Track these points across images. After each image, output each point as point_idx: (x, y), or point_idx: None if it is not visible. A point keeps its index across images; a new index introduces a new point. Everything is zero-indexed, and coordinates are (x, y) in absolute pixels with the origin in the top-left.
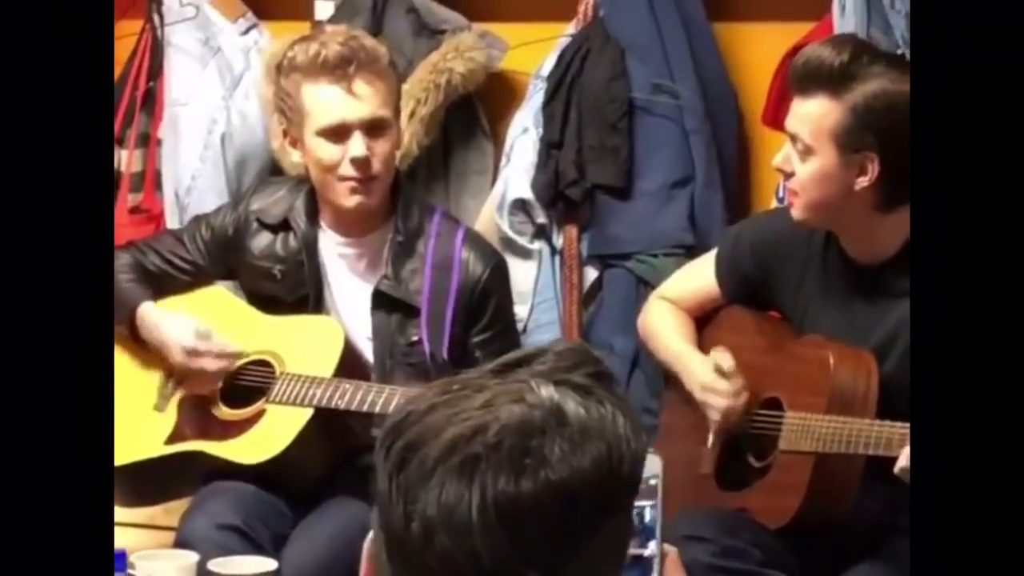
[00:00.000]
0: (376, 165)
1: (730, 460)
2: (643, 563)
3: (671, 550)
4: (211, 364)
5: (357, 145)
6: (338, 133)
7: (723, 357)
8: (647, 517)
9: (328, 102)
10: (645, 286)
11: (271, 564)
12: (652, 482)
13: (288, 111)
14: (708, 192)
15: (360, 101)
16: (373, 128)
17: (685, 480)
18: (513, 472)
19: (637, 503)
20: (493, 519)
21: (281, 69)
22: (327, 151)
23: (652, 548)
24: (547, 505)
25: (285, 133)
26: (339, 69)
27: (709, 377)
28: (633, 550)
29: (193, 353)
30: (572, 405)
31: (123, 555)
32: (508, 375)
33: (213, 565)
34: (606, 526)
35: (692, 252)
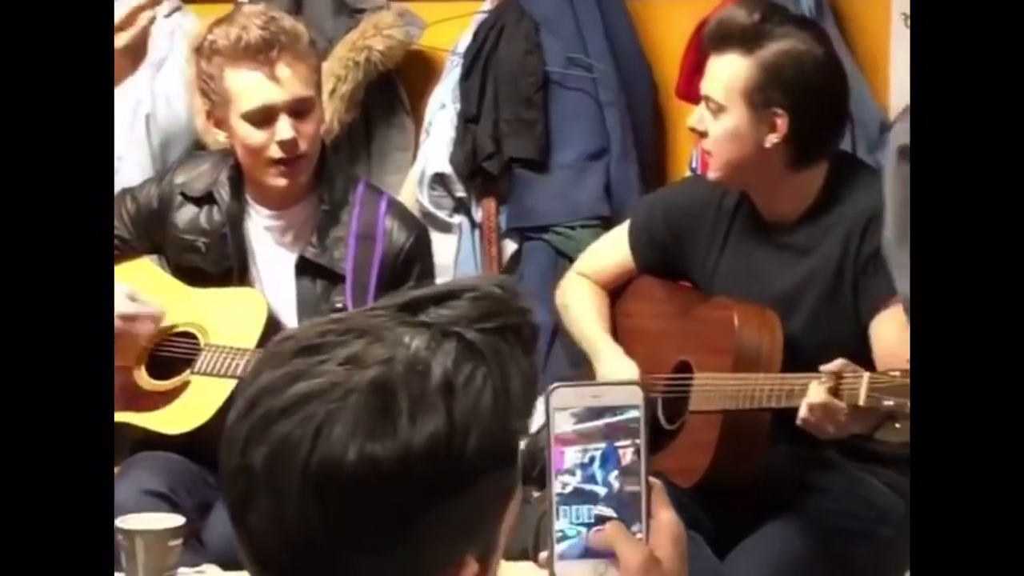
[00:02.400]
0: (303, 145)
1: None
2: (636, 500)
3: (656, 483)
4: (143, 327)
5: (284, 128)
6: (264, 117)
7: (628, 368)
8: (640, 453)
9: (252, 87)
10: (563, 258)
11: (178, 519)
12: (635, 414)
13: (211, 93)
14: (623, 164)
15: (283, 84)
16: (297, 110)
17: None
18: (341, 441)
19: (630, 440)
20: (311, 488)
21: (202, 52)
22: (253, 135)
23: (641, 484)
24: (368, 481)
25: (208, 114)
26: (261, 53)
27: (610, 373)
28: (629, 487)
29: (127, 318)
30: (437, 370)
31: None
32: (414, 313)
33: (120, 522)
34: (442, 507)
35: (608, 223)
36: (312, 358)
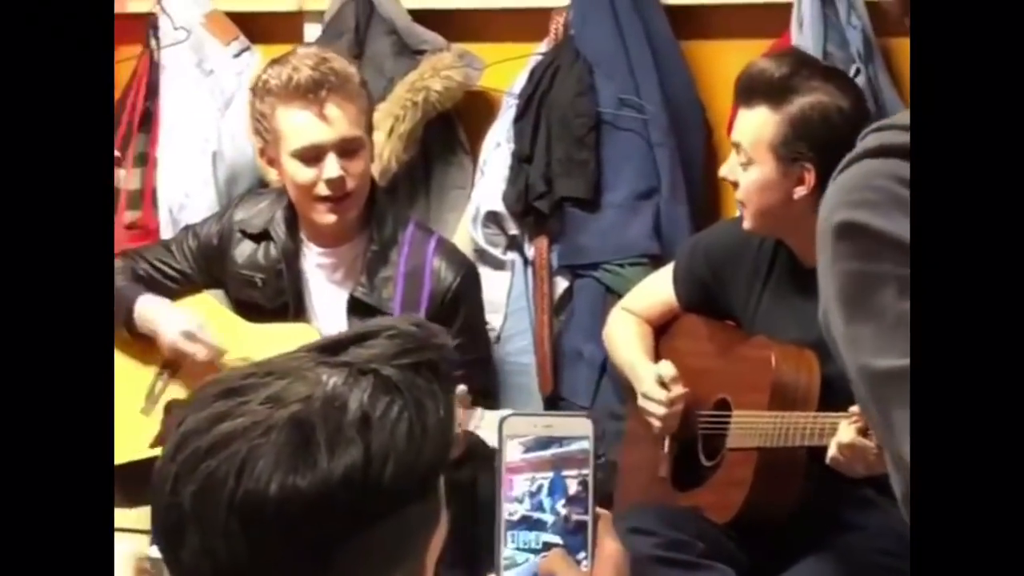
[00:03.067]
0: (350, 183)
1: (685, 462)
2: (583, 529)
3: (604, 513)
4: (201, 352)
5: (331, 166)
6: (312, 155)
7: (665, 368)
8: (588, 484)
9: (301, 126)
10: (613, 294)
11: None
12: (584, 446)
13: (264, 132)
14: (673, 203)
15: (332, 124)
16: (346, 149)
17: (645, 483)
18: (265, 475)
19: (577, 471)
20: (237, 522)
21: (256, 91)
22: (302, 172)
23: (586, 514)
24: (290, 513)
25: (262, 152)
26: (311, 93)
27: (649, 387)
28: (577, 516)
29: (189, 336)
30: (353, 405)
31: None
32: (335, 354)
33: (153, 551)
34: (362, 536)
35: (657, 261)
36: (235, 399)
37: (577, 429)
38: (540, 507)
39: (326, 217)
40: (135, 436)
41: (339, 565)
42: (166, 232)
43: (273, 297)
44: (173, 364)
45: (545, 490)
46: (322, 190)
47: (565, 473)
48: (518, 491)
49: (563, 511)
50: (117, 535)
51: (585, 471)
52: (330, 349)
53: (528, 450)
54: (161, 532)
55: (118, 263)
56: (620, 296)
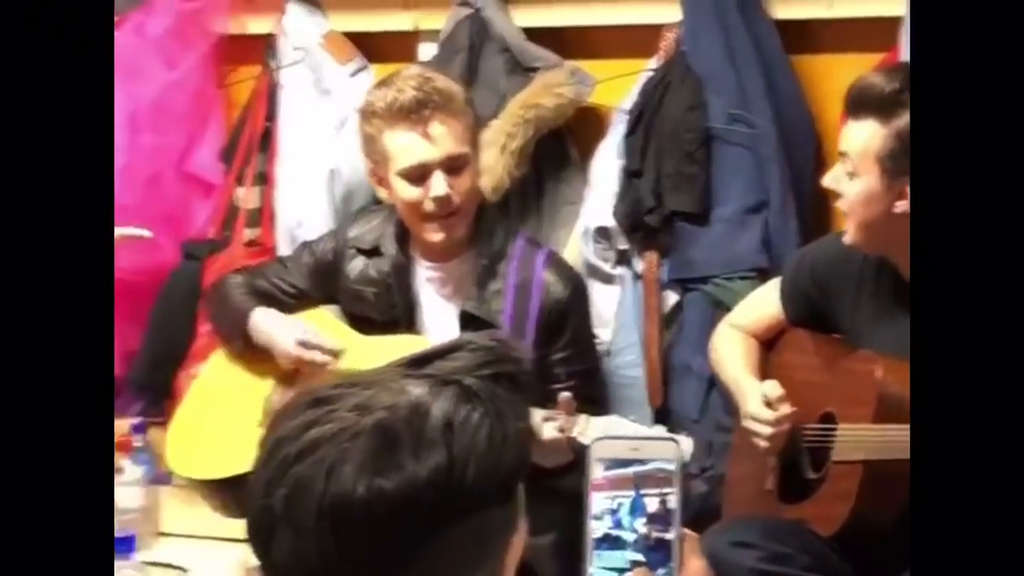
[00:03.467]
0: (457, 200)
1: (791, 474)
2: (666, 546)
3: (690, 534)
4: (319, 356)
5: (438, 184)
6: (418, 174)
7: (771, 388)
8: (670, 503)
9: (407, 146)
10: (722, 308)
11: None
12: (670, 467)
13: (372, 153)
14: (782, 217)
15: (437, 143)
16: (451, 166)
17: (752, 495)
18: (352, 478)
19: (662, 490)
20: (327, 524)
21: (363, 114)
22: (409, 191)
23: (673, 532)
24: (377, 514)
25: (372, 172)
26: (415, 113)
27: (755, 406)
28: (657, 534)
29: (304, 344)
30: (436, 412)
31: (132, 539)
32: (420, 367)
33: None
34: (445, 536)
35: (766, 275)
36: (324, 408)
37: (665, 453)
38: (620, 525)
39: (435, 235)
40: (253, 449)
41: (423, 564)
42: (284, 249)
43: (385, 311)
44: (290, 377)
45: (626, 509)
46: (429, 207)
47: (645, 492)
48: (598, 509)
49: (643, 529)
50: (229, 544)
51: (666, 490)
52: (415, 363)
53: (608, 468)
54: (254, 534)
55: (239, 279)
56: (729, 309)
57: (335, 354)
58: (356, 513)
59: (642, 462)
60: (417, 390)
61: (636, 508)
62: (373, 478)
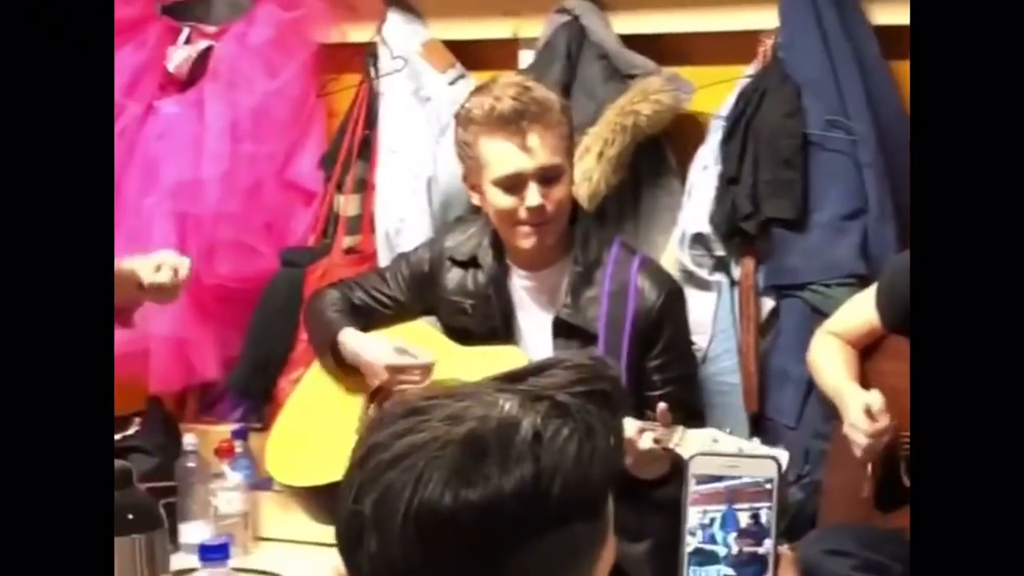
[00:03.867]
0: (550, 209)
1: (888, 482)
2: (759, 561)
3: (785, 553)
4: (414, 377)
5: (532, 194)
6: (513, 184)
7: (873, 398)
8: (763, 518)
9: (503, 155)
10: (819, 315)
11: None
12: (767, 486)
13: (467, 160)
14: (881, 223)
15: (533, 153)
16: (546, 176)
17: (848, 503)
18: (440, 486)
19: (753, 504)
20: (413, 530)
21: (460, 120)
22: (504, 200)
23: (767, 547)
24: (463, 523)
25: (465, 179)
26: (512, 123)
27: (856, 417)
28: (748, 548)
29: (395, 370)
30: (526, 425)
31: (226, 546)
32: (514, 383)
33: None
34: (530, 548)
35: (865, 282)
36: (417, 417)
37: (763, 471)
38: (712, 540)
39: (527, 241)
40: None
41: (507, 575)
42: (383, 256)
43: (482, 322)
44: (382, 393)
45: (717, 523)
46: (522, 216)
47: (737, 506)
48: (691, 523)
49: (735, 544)
50: (326, 550)
51: (759, 504)
52: (510, 379)
53: (700, 482)
54: (343, 539)
55: (335, 293)
56: (826, 316)
57: (428, 368)
58: (442, 521)
59: (737, 477)
60: (509, 404)
61: (727, 522)
62: (460, 488)
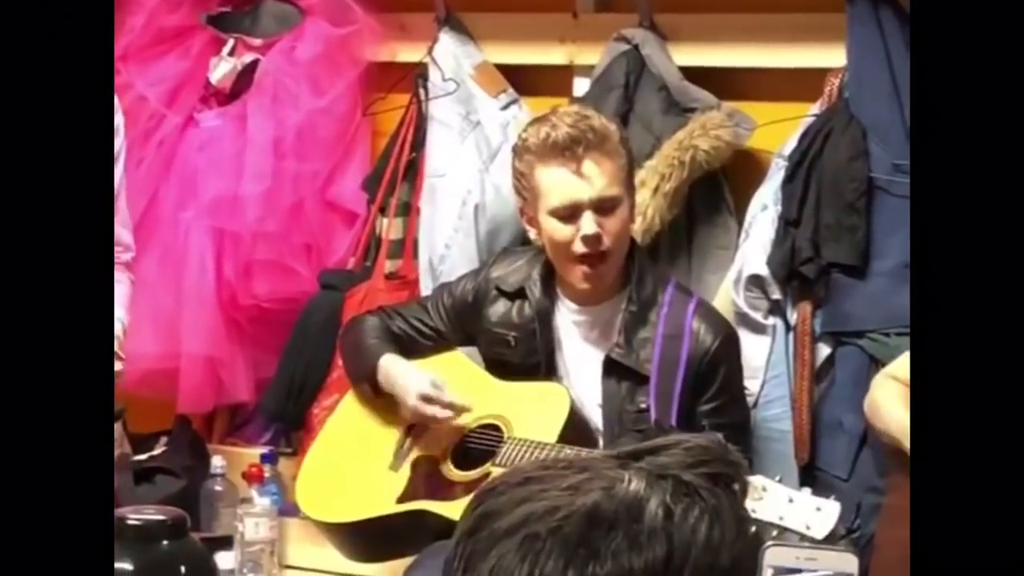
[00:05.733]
0: (607, 241)
1: None
2: None
3: None
4: (441, 413)
5: (588, 223)
6: (569, 213)
7: None
8: None
9: (559, 183)
10: (876, 364)
11: None
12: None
13: (523, 190)
14: None
15: (589, 182)
16: (602, 206)
17: (902, 560)
18: (563, 559)
19: None
20: None
21: (516, 150)
22: (559, 230)
23: None
24: None
25: (522, 211)
26: (568, 151)
27: None
28: None
29: (426, 399)
30: (655, 504)
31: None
32: (629, 461)
33: None
34: None
35: None
36: (535, 486)
37: (843, 565)
38: None
39: (582, 284)
40: (384, 491)
41: None
42: (424, 282)
43: (525, 356)
44: (418, 424)
45: None
46: (579, 247)
47: None
48: None
49: None
50: None
51: None
52: (627, 455)
53: (778, 574)
54: None
55: (374, 320)
56: (883, 365)
57: (459, 410)
58: None
59: (814, 571)
60: (632, 479)
61: None
62: (587, 562)
